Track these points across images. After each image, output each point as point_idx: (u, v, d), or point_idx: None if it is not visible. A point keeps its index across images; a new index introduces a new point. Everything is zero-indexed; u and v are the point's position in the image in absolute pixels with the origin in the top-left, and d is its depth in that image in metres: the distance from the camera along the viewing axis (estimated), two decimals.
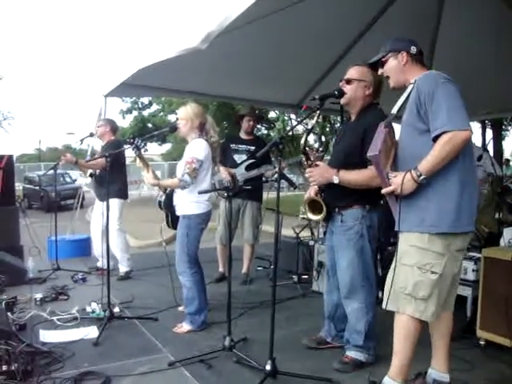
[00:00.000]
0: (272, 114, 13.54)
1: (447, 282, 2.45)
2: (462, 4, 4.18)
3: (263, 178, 4.98)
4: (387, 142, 2.46)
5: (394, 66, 2.59)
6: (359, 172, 2.83)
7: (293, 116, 6.92)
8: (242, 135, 5.25)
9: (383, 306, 2.56)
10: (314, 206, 3.06)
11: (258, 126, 14.32)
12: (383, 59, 2.63)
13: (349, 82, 2.94)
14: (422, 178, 2.30)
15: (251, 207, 5.12)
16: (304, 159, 2.95)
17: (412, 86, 2.47)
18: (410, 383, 2.69)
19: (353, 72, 2.97)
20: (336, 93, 2.79)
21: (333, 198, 2.98)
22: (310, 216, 3.11)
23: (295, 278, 5.06)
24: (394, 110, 2.54)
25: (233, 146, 5.17)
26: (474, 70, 4.55)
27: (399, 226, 2.47)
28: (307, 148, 2.94)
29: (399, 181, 2.35)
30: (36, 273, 5.19)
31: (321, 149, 2.99)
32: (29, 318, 3.76)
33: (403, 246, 2.49)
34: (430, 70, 2.52)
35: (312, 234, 5.56)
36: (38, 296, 4.27)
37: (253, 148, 5.07)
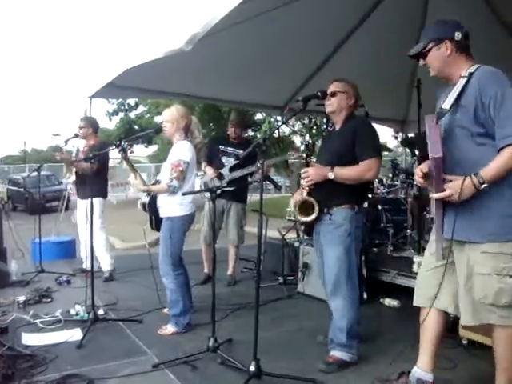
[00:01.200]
0: (259, 116, 13.54)
1: None
2: (446, 6, 4.23)
3: (249, 179, 4.99)
4: (442, 141, 2.25)
5: (437, 58, 2.36)
6: (352, 167, 3.02)
7: (279, 118, 6.93)
8: (232, 138, 5.28)
9: (462, 322, 2.44)
10: (305, 207, 3.13)
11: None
12: (424, 50, 2.39)
13: (333, 94, 3.14)
14: (484, 185, 2.16)
15: (235, 208, 5.12)
16: (304, 157, 3.15)
17: (465, 80, 2.26)
18: (392, 383, 2.70)
19: (335, 86, 3.17)
20: (319, 94, 2.82)
21: (322, 198, 3.07)
22: (301, 218, 3.17)
23: (281, 279, 5.08)
24: (447, 106, 2.32)
25: (222, 147, 5.18)
26: None
27: (451, 234, 2.33)
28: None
29: (457, 186, 2.19)
30: (19, 275, 5.13)
31: (303, 155, 3.18)
32: (11, 321, 3.72)
33: (473, 254, 2.31)
34: (483, 66, 2.29)
35: (298, 235, 5.59)
36: (21, 299, 4.22)
37: (240, 151, 5.08)
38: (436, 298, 2.48)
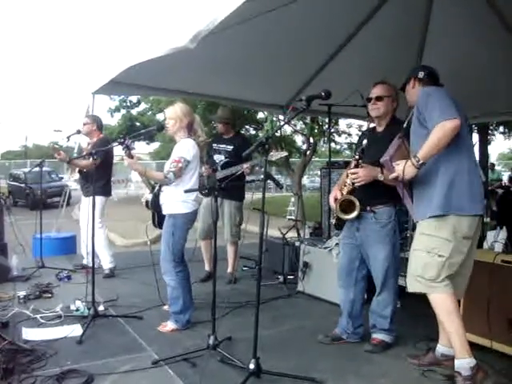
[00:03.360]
0: (261, 115, 13.49)
1: (454, 262, 2.76)
2: (450, 7, 4.23)
3: (247, 178, 4.98)
4: (401, 149, 2.95)
5: (407, 91, 3.08)
6: None
7: (281, 117, 6.92)
8: (223, 135, 5.29)
9: (407, 289, 2.93)
10: (345, 205, 3.25)
11: (247, 127, 14.26)
12: (402, 86, 3.13)
13: (380, 98, 3.30)
14: (420, 162, 2.68)
15: (229, 206, 5.11)
16: (356, 159, 3.23)
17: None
18: (421, 357, 3.10)
19: (380, 90, 3.32)
20: (322, 94, 2.81)
21: (365, 196, 3.21)
22: (342, 216, 3.27)
23: (281, 278, 5.09)
24: (404, 125, 3.05)
25: (214, 145, 5.21)
26: (460, 74, 4.59)
27: (414, 216, 2.96)
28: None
29: (400, 167, 2.75)
30: (20, 270, 5.14)
31: (356, 156, 3.23)
32: (11, 316, 3.74)
33: (416, 234, 2.90)
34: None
35: (298, 234, 5.60)
36: (22, 294, 4.24)
37: (230, 147, 5.10)
38: None
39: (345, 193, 3.26)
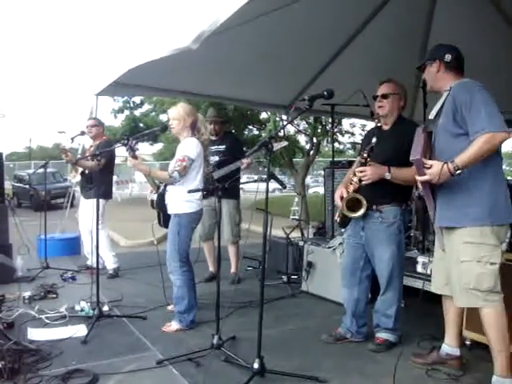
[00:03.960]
0: (264, 115, 13.47)
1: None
2: (453, 6, 4.23)
3: (241, 177, 4.97)
4: (426, 146, 2.73)
5: (430, 73, 2.83)
6: (409, 169, 2.98)
7: (284, 117, 6.92)
8: (212, 137, 5.27)
9: (455, 303, 2.78)
10: (351, 203, 3.23)
11: (250, 127, 14.26)
12: (422, 66, 2.89)
13: (385, 96, 3.28)
14: (458, 171, 2.50)
15: (227, 206, 5.10)
16: (364, 157, 3.17)
17: (447, 92, 2.69)
18: (425, 356, 3.06)
19: (387, 87, 3.30)
20: (325, 93, 2.81)
21: (372, 195, 3.19)
22: (348, 214, 3.25)
23: (285, 278, 5.09)
24: (432, 116, 2.82)
25: None
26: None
27: (440, 221, 2.76)
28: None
29: (435, 171, 2.54)
30: (25, 271, 5.18)
31: (365, 154, 3.18)
32: (17, 316, 3.76)
33: (457, 243, 2.67)
34: (464, 79, 2.73)
35: (302, 234, 5.60)
36: (27, 294, 4.26)
37: (222, 147, 5.11)
38: (446, 285, 2.84)
39: (351, 191, 3.25)
